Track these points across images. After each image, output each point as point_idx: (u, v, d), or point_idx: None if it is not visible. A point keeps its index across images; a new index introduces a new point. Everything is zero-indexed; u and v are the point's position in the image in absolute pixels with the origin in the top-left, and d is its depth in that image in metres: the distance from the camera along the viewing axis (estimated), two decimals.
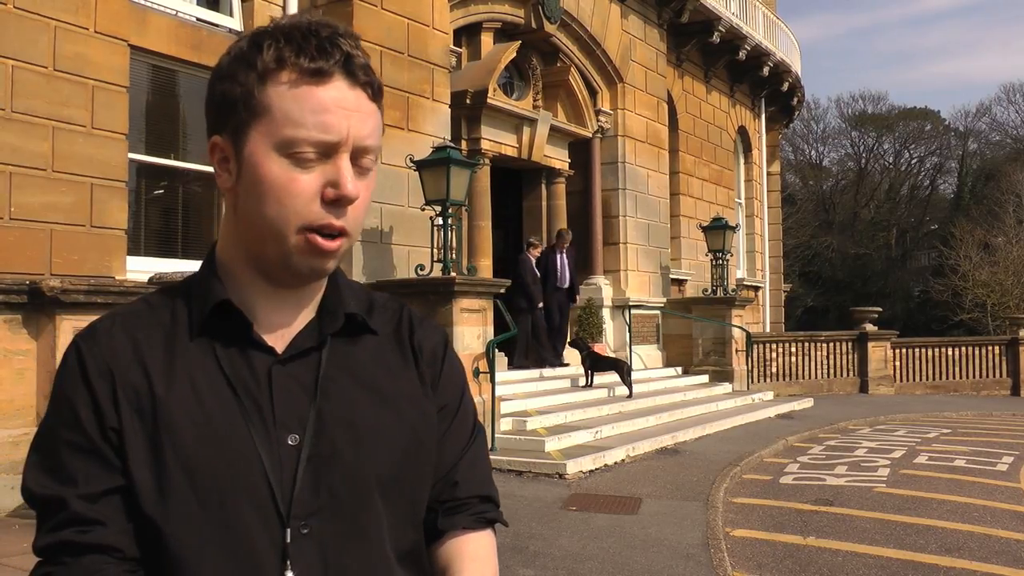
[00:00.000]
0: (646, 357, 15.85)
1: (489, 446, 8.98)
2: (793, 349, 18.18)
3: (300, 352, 1.18)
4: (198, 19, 9.40)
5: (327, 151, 1.10)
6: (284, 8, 9.96)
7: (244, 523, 1.09)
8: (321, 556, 1.12)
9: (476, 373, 9.18)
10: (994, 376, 19.28)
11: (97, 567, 1.06)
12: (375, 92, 1.15)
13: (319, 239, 1.11)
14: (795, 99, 24.19)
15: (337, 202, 1.11)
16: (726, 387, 15.17)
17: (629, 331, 15.31)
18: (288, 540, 1.10)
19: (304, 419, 1.14)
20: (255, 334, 1.16)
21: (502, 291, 9.91)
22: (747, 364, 16.06)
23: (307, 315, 1.21)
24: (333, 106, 1.10)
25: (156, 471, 1.08)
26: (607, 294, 15.58)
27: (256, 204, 1.12)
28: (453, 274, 9.53)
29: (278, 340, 1.18)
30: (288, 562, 1.09)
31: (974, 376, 19.25)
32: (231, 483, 1.09)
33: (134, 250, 8.47)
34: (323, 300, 1.22)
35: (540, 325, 13.45)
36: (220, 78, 1.15)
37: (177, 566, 1.08)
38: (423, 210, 9.98)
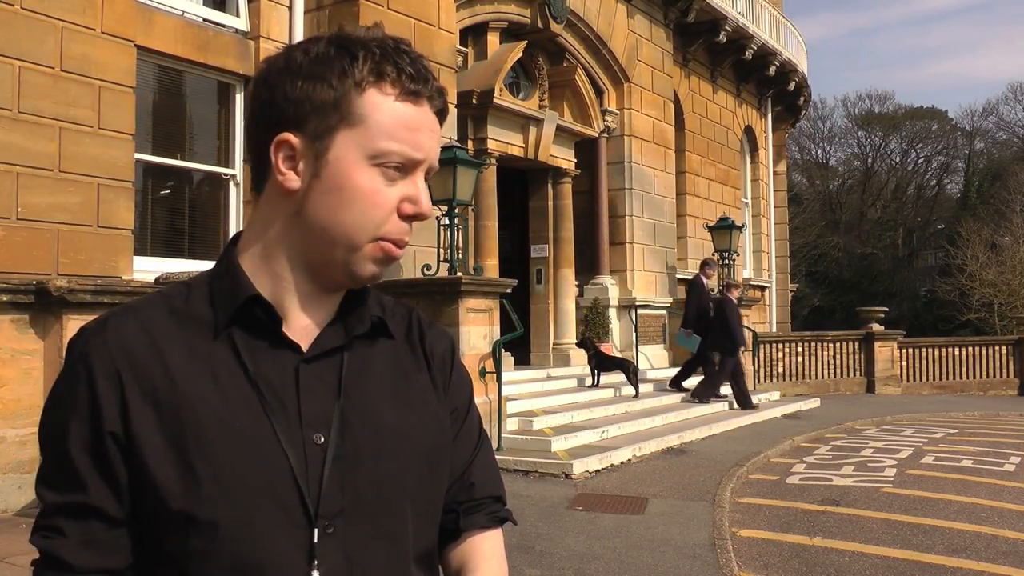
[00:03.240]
0: (652, 357, 15.84)
1: (496, 446, 9.04)
2: (799, 349, 18.15)
3: (325, 352, 1.18)
4: (204, 19, 9.41)
5: (410, 168, 1.15)
6: (291, 8, 9.98)
7: (270, 522, 1.08)
8: (346, 556, 1.12)
9: (483, 373, 9.17)
10: (1001, 376, 19.22)
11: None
12: (443, 118, 1.21)
13: (392, 247, 1.16)
14: (801, 98, 24.14)
15: (414, 218, 1.16)
16: None
17: (635, 331, 15.31)
18: (315, 540, 1.10)
19: (328, 419, 1.14)
20: (283, 332, 1.16)
21: (508, 291, 9.90)
22: (753, 364, 16.03)
23: (330, 315, 1.21)
24: (424, 127, 1.16)
25: (180, 469, 1.07)
26: (613, 294, 15.56)
27: (334, 209, 1.13)
28: (459, 274, 9.53)
29: (302, 338, 1.17)
30: (315, 562, 1.09)
31: (981, 376, 19.19)
32: (257, 482, 1.08)
33: (141, 250, 8.49)
34: (346, 302, 1.22)
35: (741, 370, 13.47)
36: (300, 76, 1.13)
37: (202, 564, 1.07)
38: None
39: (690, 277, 18.39)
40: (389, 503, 1.16)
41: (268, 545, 1.08)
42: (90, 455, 1.09)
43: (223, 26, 9.58)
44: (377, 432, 1.17)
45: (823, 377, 18.17)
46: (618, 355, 13.91)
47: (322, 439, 1.13)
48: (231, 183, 9.64)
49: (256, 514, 1.08)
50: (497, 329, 9.63)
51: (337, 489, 1.12)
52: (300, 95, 1.13)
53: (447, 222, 9.85)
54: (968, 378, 19.16)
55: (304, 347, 1.17)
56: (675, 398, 13.26)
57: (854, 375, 18.38)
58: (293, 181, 1.14)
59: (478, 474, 1.33)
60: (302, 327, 1.18)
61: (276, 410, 1.12)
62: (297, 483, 1.10)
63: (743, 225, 19.02)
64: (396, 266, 10.10)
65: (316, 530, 1.10)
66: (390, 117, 1.12)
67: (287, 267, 1.17)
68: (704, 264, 14.29)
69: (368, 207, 1.12)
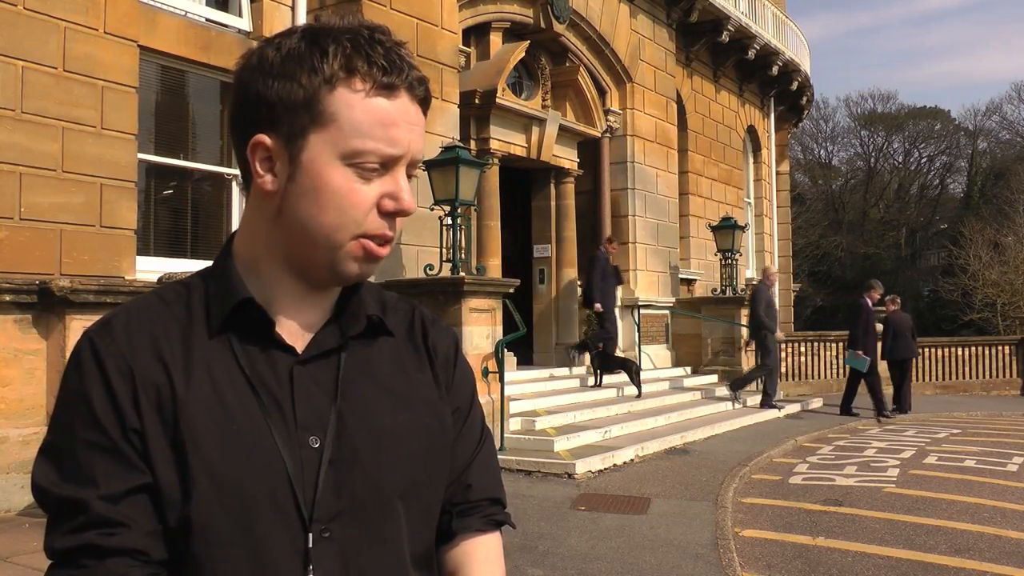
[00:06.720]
0: (655, 357, 15.84)
1: (498, 446, 9.04)
2: (803, 349, 18.14)
3: (320, 353, 1.16)
4: (207, 19, 9.42)
5: (389, 164, 1.11)
6: (293, 8, 9.99)
7: (265, 526, 1.07)
8: (342, 560, 1.10)
9: (485, 373, 9.18)
10: (1004, 376, 19.20)
11: (122, 571, 1.03)
12: (426, 106, 1.17)
13: (374, 246, 1.13)
14: (804, 98, 24.12)
15: (395, 214, 1.13)
16: None
17: (638, 331, 15.31)
18: (310, 544, 1.08)
19: (324, 421, 1.12)
20: (276, 333, 1.15)
21: (511, 291, 9.91)
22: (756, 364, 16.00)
23: (325, 315, 1.20)
24: (400, 120, 1.11)
25: (178, 472, 1.06)
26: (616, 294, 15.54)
27: (312, 210, 1.10)
28: (462, 274, 9.53)
29: (297, 340, 1.16)
30: (310, 567, 1.08)
31: (984, 376, 19.18)
32: (253, 485, 1.07)
33: (143, 250, 8.49)
34: (342, 301, 1.21)
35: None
36: (271, 75, 1.10)
37: (198, 568, 1.06)
38: (432, 210, 9.98)
39: (692, 277, 18.46)
40: (386, 506, 1.14)
41: (264, 549, 1.07)
42: (125, 442, 1.07)
43: (226, 26, 9.59)
44: (375, 434, 1.15)
45: (826, 377, 18.15)
46: (621, 355, 13.90)
47: (317, 442, 1.11)
48: (234, 183, 9.64)
49: (252, 518, 1.07)
50: (500, 329, 9.64)
51: (333, 493, 1.10)
52: (272, 95, 1.10)
53: (450, 222, 9.85)
54: (971, 378, 19.15)
55: (299, 348, 1.15)
56: (676, 398, 13.26)
57: None
58: (271, 183, 1.12)
59: (476, 475, 1.29)
60: (296, 328, 1.17)
61: (273, 413, 1.10)
62: (292, 487, 1.08)
63: (746, 225, 19.01)
64: (399, 265, 10.11)
65: (311, 534, 1.08)
66: (362, 114, 1.09)
67: (274, 268, 1.16)
68: (868, 287, 14.64)
69: (345, 207, 1.10)
